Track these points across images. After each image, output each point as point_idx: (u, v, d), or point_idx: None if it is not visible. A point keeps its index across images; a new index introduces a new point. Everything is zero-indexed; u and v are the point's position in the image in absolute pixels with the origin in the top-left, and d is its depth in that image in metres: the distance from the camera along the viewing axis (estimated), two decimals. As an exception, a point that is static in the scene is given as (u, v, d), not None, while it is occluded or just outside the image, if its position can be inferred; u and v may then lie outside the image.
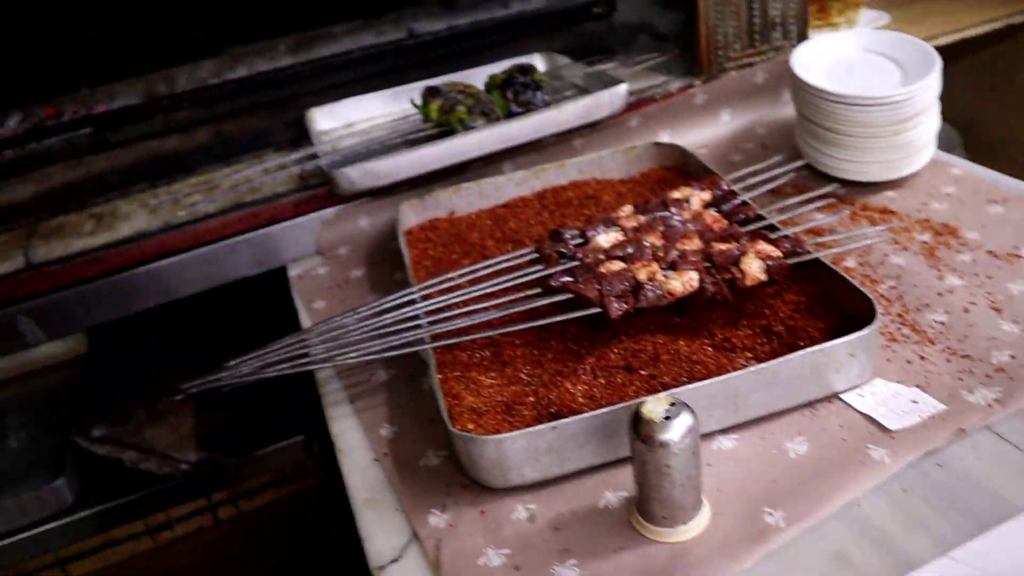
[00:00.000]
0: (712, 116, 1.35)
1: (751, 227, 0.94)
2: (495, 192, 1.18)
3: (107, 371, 1.67)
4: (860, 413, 0.76)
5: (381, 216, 1.22)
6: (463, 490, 0.76)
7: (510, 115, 1.20)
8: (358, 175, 1.12)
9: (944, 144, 1.19)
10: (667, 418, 0.63)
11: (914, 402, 0.76)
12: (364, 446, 0.84)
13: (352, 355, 0.86)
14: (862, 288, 0.80)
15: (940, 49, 1.19)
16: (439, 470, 0.79)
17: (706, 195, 1.01)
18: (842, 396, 0.79)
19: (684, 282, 0.85)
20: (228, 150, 1.35)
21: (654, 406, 0.64)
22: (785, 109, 1.34)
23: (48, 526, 1.41)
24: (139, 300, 1.18)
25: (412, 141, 1.20)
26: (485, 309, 0.89)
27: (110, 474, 1.43)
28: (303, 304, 1.11)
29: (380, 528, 0.74)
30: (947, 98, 1.07)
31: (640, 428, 0.64)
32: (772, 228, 0.93)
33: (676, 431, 0.63)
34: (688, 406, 0.64)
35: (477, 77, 1.34)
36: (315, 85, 1.36)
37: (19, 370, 1.72)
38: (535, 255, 0.97)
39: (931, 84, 1.08)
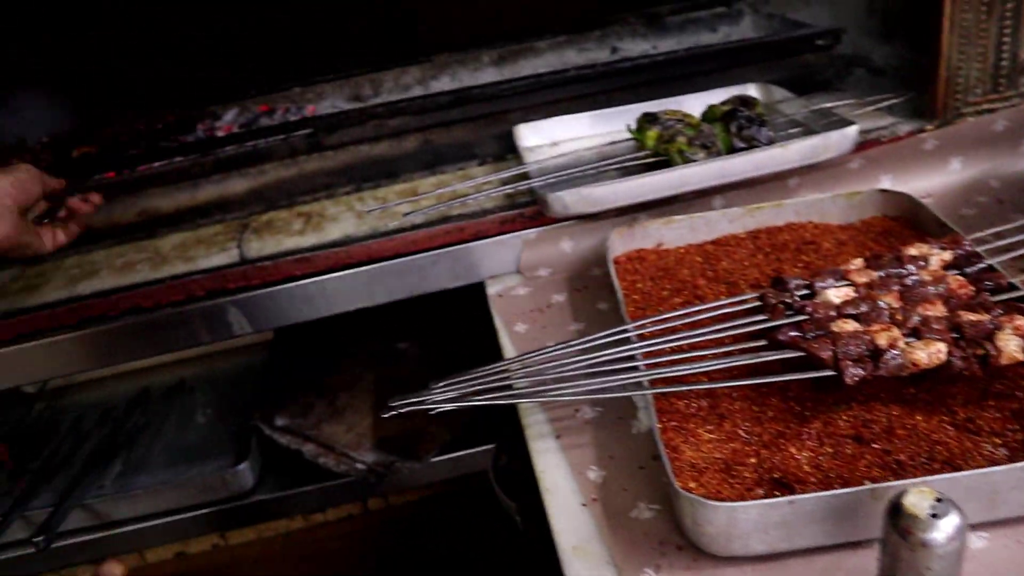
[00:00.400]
0: (941, 163, 1.26)
1: (1003, 297, 0.87)
2: (706, 227, 1.14)
3: (291, 360, 1.73)
4: None
5: (584, 240, 1.20)
6: (678, 551, 0.72)
7: (732, 150, 1.15)
8: (572, 200, 1.10)
9: None
10: (933, 515, 0.57)
11: None
12: (571, 488, 0.82)
13: (565, 393, 0.84)
14: None
15: None
16: (651, 524, 0.76)
17: (947, 255, 0.94)
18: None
19: (930, 354, 0.78)
20: (434, 159, 1.36)
21: (918, 500, 0.58)
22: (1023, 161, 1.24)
23: (226, 506, 1.46)
24: (341, 302, 1.21)
25: (626, 168, 1.17)
26: (705, 357, 0.85)
27: (289, 463, 1.48)
28: (503, 325, 1.10)
29: (585, 570, 0.72)
30: None
31: (900, 521, 0.58)
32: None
33: (943, 532, 0.57)
34: (956, 505, 0.58)
35: (689, 104, 1.30)
36: (523, 102, 1.34)
37: (205, 350, 1.80)
38: (757, 303, 0.92)
39: None
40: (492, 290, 1.19)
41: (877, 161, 1.25)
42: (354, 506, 2.36)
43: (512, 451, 1.14)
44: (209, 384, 1.78)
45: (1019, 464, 0.67)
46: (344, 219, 1.26)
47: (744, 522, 0.68)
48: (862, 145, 1.23)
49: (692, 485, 0.73)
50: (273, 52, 1.82)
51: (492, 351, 1.47)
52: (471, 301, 1.24)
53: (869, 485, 0.67)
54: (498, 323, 1.11)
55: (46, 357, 1.22)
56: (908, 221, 1.11)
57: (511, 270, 1.21)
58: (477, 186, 1.21)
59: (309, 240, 1.21)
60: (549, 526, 0.79)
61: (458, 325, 1.70)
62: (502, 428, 1.17)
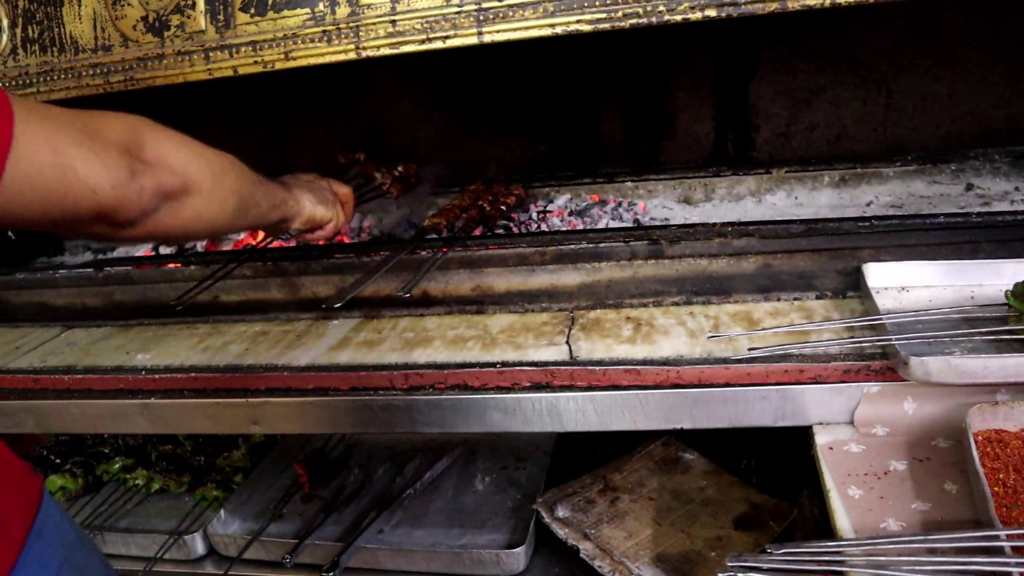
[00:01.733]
0: None
1: None
2: (1084, 419, 1.01)
3: (575, 447, 1.74)
4: None
5: (929, 405, 1.11)
6: None
7: None
8: (938, 368, 1.02)
9: None
10: None
11: None
12: None
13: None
14: None
15: None
16: None
17: None
18: None
19: None
20: (771, 284, 1.32)
21: None
22: None
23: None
24: (660, 419, 1.19)
25: (999, 339, 1.08)
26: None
27: (561, 556, 1.48)
28: (835, 485, 1.03)
29: None
30: None
31: None
32: None
33: None
34: None
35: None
36: (877, 241, 1.27)
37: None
38: None
39: None
40: (822, 440, 1.12)
41: None
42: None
43: None
44: (493, 451, 1.83)
45: None
46: (675, 334, 1.25)
47: None
48: None
49: None
50: (610, 142, 1.87)
51: (779, 483, 1.40)
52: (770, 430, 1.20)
53: None
54: (830, 483, 1.04)
55: (371, 413, 1.30)
56: None
57: (843, 420, 1.15)
58: (821, 329, 1.16)
59: (640, 352, 1.21)
60: None
61: (746, 445, 1.64)
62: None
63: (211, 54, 1.26)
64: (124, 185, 0.85)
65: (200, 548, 1.65)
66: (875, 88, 1.76)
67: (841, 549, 0.86)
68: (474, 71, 1.84)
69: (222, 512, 1.67)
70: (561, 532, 1.46)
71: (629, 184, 1.74)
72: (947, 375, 1.03)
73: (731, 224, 1.31)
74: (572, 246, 1.36)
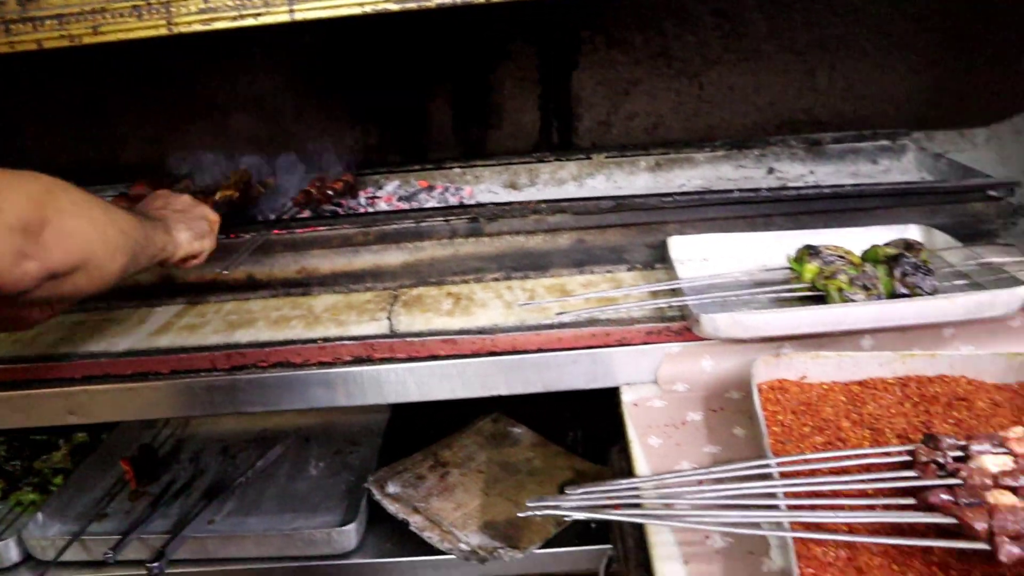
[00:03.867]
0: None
1: None
2: (853, 367, 1.12)
3: (409, 427, 1.77)
4: None
5: (725, 361, 1.20)
6: None
7: (893, 295, 1.14)
8: (725, 324, 1.10)
9: None
10: None
11: None
12: (697, 617, 0.81)
13: (701, 521, 0.83)
14: None
15: None
16: (780, 674, 0.74)
17: (1115, 434, 0.90)
18: None
19: (1099, 546, 0.75)
20: (585, 258, 1.39)
21: None
22: None
23: (326, 563, 1.49)
24: (478, 387, 1.23)
25: (781, 298, 1.18)
26: (850, 508, 0.83)
27: (393, 531, 1.50)
28: (637, 437, 1.11)
29: None
30: None
31: None
32: None
33: None
34: None
35: (848, 239, 1.29)
36: (681, 216, 1.37)
37: (328, 404, 1.86)
38: (907, 457, 0.90)
39: None
40: (627, 397, 1.19)
41: (1037, 321, 1.21)
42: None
43: (627, 561, 1.13)
44: (326, 437, 1.83)
45: None
46: (492, 306, 1.30)
47: None
48: (1023, 302, 1.20)
49: (828, 640, 0.71)
50: (438, 130, 1.91)
51: (603, 452, 1.47)
52: (589, 395, 1.26)
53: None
54: (632, 434, 1.11)
55: (193, 396, 1.28)
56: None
57: (648, 380, 1.22)
58: (629, 295, 1.24)
59: (457, 323, 1.25)
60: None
61: (573, 418, 1.72)
62: (620, 537, 1.16)
63: (12, 27, 1.22)
64: (6, 270, 0.83)
65: (14, 555, 1.57)
66: (688, 81, 1.88)
67: (635, 486, 0.92)
68: (304, 64, 1.85)
69: (39, 515, 1.60)
70: (392, 507, 1.48)
71: (457, 170, 1.79)
72: (734, 330, 1.12)
73: (546, 201, 1.37)
74: (395, 226, 1.39)
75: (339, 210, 1.64)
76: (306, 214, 1.60)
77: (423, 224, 1.37)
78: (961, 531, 0.79)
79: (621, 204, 1.35)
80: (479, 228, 1.37)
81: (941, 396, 1.08)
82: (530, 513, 0.89)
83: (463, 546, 1.40)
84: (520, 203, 1.36)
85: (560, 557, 1.43)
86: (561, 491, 1.51)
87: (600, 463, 1.55)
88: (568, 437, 1.68)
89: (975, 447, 0.89)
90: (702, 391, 1.19)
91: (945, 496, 0.83)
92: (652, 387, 1.21)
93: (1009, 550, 0.76)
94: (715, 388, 1.19)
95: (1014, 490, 0.82)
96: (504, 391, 1.24)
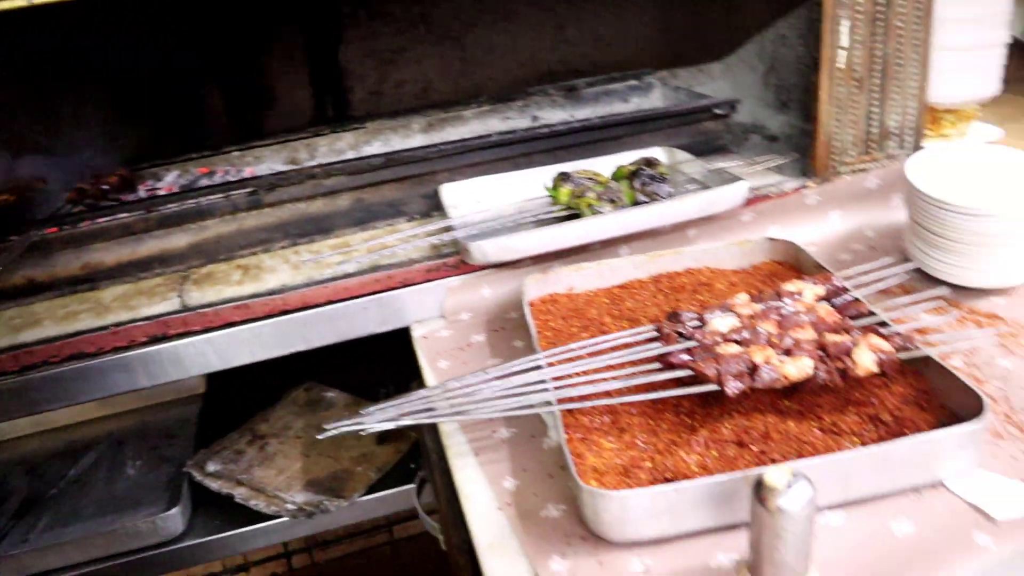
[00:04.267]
0: (822, 216, 1.41)
1: (863, 322, 0.99)
2: (612, 273, 1.25)
3: (223, 410, 1.78)
4: (965, 502, 0.80)
5: (502, 287, 1.30)
6: (582, 541, 0.82)
7: (636, 204, 1.28)
8: (492, 249, 1.21)
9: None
10: (788, 487, 0.68)
11: (1021, 494, 0.80)
12: (488, 496, 0.91)
13: (483, 411, 0.93)
14: (972, 385, 0.84)
15: None
16: (559, 522, 0.85)
17: (819, 290, 1.06)
18: (948, 484, 0.82)
19: (799, 367, 0.90)
20: (366, 216, 1.46)
21: (777, 475, 0.69)
22: (894, 214, 1.39)
23: (158, 552, 1.50)
24: (277, 346, 1.28)
25: (541, 221, 1.29)
26: (607, 379, 0.95)
27: (221, 508, 1.52)
28: (427, 362, 1.19)
29: (501, 564, 0.80)
30: None
31: (762, 494, 0.69)
32: (883, 324, 0.98)
33: (796, 500, 0.68)
34: (808, 479, 0.69)
35: (601, 166, 1.43)
36: (449, 164, 1.46)
37: (137, 404, 1.85)
38: (654, 334, 1.03)
39: (1045, 199, 1.12)
40: (417, 332, 1.28)
41: (767, 214, 1.39)
42: (279, 564, 2.39)
43: (432, 474, 1.21)
44: (140, 438, 1.81)
45: (865, 449, 0.79)
46: (281, 270, 1.35)
47: (636, 509, 0.77)
48: (753, 200, 1.38)
49: (593, 484, 0.83)
50: (214, 118, 1.92)
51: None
52: (399, 354, 1.34)
53: (742, 472, 0.77)
54: (422, 360, 1.20)
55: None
56: (791, 265, 1.24)
57: (435, 315, 1.31)
58: (405, 238, 1.32)
59: (248, 289, 1.29)
60: (469, 534, 0.88)
61: (385, 375, 1.79)
62: (427, 456, 1.25)
63: None
64: None
65: None
66: (450, 44, 1.98)
67: (424, 396, 1.00)
68: (64, 60, 1.81)
69: None
70: (214, 485, 1.50)
71: (236, 153, 1.81)
72: (501, 253, 1.23)
73: (319, 166, 1.43)
74: (175, 207, 1.41)
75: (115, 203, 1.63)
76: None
77: (204, 202, 1.40)
78: (698, 380, 0.93)
79: (391, 159, 1.43)
80: (259, 200, 1.42)
81: (687, 285, 1.23)
82: (330, 433, 0.96)
83: (289, 506, 1.45)
84: (296, 170, 1.41)
85: (385, 500, 1.51)
86: (378, 441, 1.60)
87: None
88: (380, 393, 1.75)
89: (708, 316, 1.03)
90: (484, 316, 1.29)
91: (685, 356, 0.96)
92: (439, 321, 1.31)
93: (734, 385, 0.90)
94: (496, 312, 1.30)
95: (739, 342, 0.97)
96: (303, 346, 1.29)
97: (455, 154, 1.45)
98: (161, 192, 1.71)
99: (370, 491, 1.49)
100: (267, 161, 1.83)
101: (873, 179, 1.41)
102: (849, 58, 1.33)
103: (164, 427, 1.81)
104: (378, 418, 0.97)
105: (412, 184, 1.47)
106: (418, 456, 1.49)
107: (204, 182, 1.73)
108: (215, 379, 1.73)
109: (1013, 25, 2.12)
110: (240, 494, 1.48)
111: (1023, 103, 2.00)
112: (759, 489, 0.69)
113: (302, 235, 1.45)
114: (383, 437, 1.59)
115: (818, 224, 1.41)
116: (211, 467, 1.54)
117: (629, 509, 0.77)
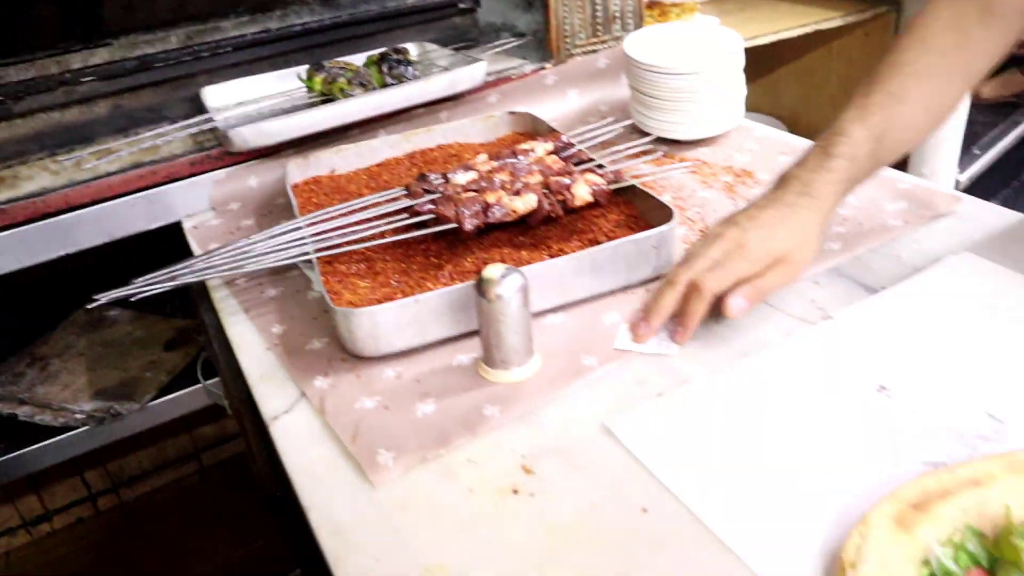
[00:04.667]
0: (561, 94, 1.56)
1: (583, 167, 1.14)
2: (371, 153, 1.34)
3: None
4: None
5: (269, 176, 1.37)
6: (342, 362, 0.92)
7: (385, 86, 1.37)
8: (251, 134, 1.27)
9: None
10: (503, 277, 0.81)
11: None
12: (258, 340, 0.99)
13: (249, 265, 1.01)
14: (665, 201, 1.00)
15: (764, 49, 1.44)
16: (322, 351, 0.95)
17: (549, 146, 1.20)
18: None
19: (525, 202, 1.04)
20: (128, 123, 1.47)
21: (493, 270, 0.82)
22: (623, 89, 1.56)
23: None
24: (43, 251, 1.29)
25: (298, 108, 1.36)
26: (361, 232, 1.05)
27: (4, 431, 1.52)
28: (198, 247, 1.25)
29: (274, 392, 0.89)
30: (775, 95, 1.28)
31: (482, 286, 0.81)
32: (600, 167, 1.13)
33: (509, 287, 0.81)
34: (520, 271, 0.82)
35: (357, 60, 1.51)
36: (208, 65, 1.49)
37: None
38: (404, 193, 1.14)
39: (734, 60, 1.31)
40: (188, 224, 1.32)
41: (511, 95, 1.52)
42: (84, 508, 2.35)
43: (211, 344, 1.27)
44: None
45: (574, 254, 0.93)
46: (40, 178, 1.34)
47: (384, 323, 0.88)
48: (497, 81, 1.50)
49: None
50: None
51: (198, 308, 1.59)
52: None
53: (471, 281, 0.90)
54: (193, 245, 1.25)
55: None
56: (531, 135, 1.37)
57: (205, 208, 1.36)
58: (162, 132, 1.35)
59: (3, 196, 1.29)
60: (247, 383, 0.95)
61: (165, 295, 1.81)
62: (205, 330, 1.31)
63: None
64: None
65: None
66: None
67: (192, 262, 1.06)
68: None
69: None
70: (-6, 407, 1.50)
71: None
72: (260, 138, 1.29)
73: (70, 71, 1.42)
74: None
75: None
76: None
77: (-55, 115, 1.37)
78: (441, 223, 1.04)
79: (144, 61, 1.44)
80: (8, 109, 1.39)
81: (439, 158, 1.34)
82: (101, 301, 1.00)
83: (78, 415, 1.47)
84: (44, 76, 1.40)
85: (179, 400, 1.55)
86: (166, 348, 1.63)
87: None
88: (166, 307, 1.77)
89: (451, 174, 1.15)
90: (253, 204, 1.35)
91: (429, 205, 1.08)
92: (209, 212, 1.35)
93: (470, 222, 1.02)
94: (263, 200, 1.36)
95: (477, 191, 1.09)
96: (72, 249, 1.30)
97: (211, 56, 1.48)
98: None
99: (162, 394, 1.53)
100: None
101: (603, 59, 1.57)
102: (569, -54, 1.47)
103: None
104: (150, 283, 1.02)
105: (172, 88, 1.49)
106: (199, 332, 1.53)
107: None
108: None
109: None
110: (24, 412, 1.48)
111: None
112: (480, 284, 0.82)
113: (60, 145, 1.45)
114: (171, 344, 1.63)
115: (557, 102, 1.55)
116: (-12, 390, 1.53)
117: (378, 324, 0.88)
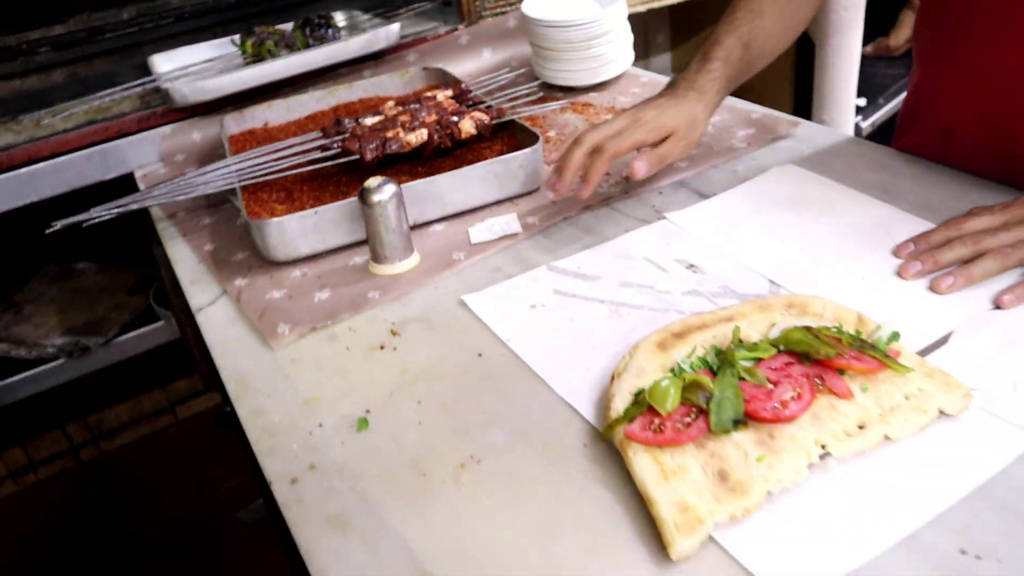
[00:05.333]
0: (475, 53, 1.73)
1: (474, 107, 1.32)
2: (300, 107, 1.51)
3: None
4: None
5: (210, 130, 1.54)
6: (259, 268, 1.10)
7: (308, 47, 1.55)
8: (190, 91, 1.44)
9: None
10: (379, 186, 0.99)
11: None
12: (192, 257, 1.17)
13: (184, 193, 1.19)
14: (532, 128, 1.19)
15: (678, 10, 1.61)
16: (244, 261, 1.13)
17: (449, 93, 1.38)
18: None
19: (417, 135, 1.22)
20: (82, 89, 1.63)
21: (372, 181, 1.00)
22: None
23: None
24: (9, 200, 1.46)
25: (235, 67, 1.54)
26: (280, 166, 1.23)
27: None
28: (145, 188, 1.42)
29: (200, 291, 1.08)
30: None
31: (363, 195, 1.00)
32: (489, 107, 1.31)
33: (384, 193, 0.99)
34: (393, 182, 1.00)
35: (288, 28, 1.68)
36: (155, 35, 1.66)
37: None
38: (321, 135, 1.32)
39: (617, 11, 1.49)
40: (138, 174, 1.50)
41: (428, 54, 1.70)
42: (66, 460, 2.53)
43: (159, 273, 1.44)
44: None
45: (447, 173, 1.11)
46: (4, 136, 1.51)
47: (290, 230, 1.07)
48: (414, 42, 1.68)
49: (263, 227, 1.11)
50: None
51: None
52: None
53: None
54: (141, 186, 1.43)
55: None
56: (443, 88, 1.55)
57: (154, 160, 1.53)
58: (112, 93, 1.53)
59: (-29, 151, 1.46)
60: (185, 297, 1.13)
61: (123, 250, 1.99)
62: (157, 259, 1.49)
63: None
64: None
65: None
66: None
67: (138, 195, 1.24)
68: None
69: None
70: (-27, 345, 1.68)
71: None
72: (198, 94, 1.46)
73: (24, 42, 1.59)
74: None
75: None
76: None
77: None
78: (347, 154, 1.22)
79: (95, 30, 1.61)
80: (-31, 77, 1.57)
81: (360, 111, 1.52)
82: (56, 227, 1.17)
83: (50, 349, 1.65)
84: (4, 47, 1.57)
85: (141, 337, 1.73)
86: (129, 292, 1.81)
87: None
88: (128, 260, 1.95)
89: (361, 119, 1.32)
90: (196, 155, 1.53)
91: (339, 142, 1.25)
92: (158, 164, 1.53)
93: (369, 153, 1.20)
94: (205, 151, 1.53)
95: (379, 130, 1.27)
96: (35, 198, 1.48)
97: (156, 27, 1.65)
98: None
99: (124, 331, 1.71)
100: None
101: (511, 19, 1.75)
102: (471, -83, 1.65)
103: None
104: (101, 211, 1.19)
105: (123, 56, 1.66)
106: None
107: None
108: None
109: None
110: (0, 348, 1.65)
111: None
112: (363, 194, 1.00)
113: (21, 111, 1.61)
114: (133, 289, 1.81)
115: (472, 60, 1.73)
116: (-32, 330, 1.71)
117: (285, 231, 1.06)
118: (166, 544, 2.20)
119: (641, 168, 1.05)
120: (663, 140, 1.07)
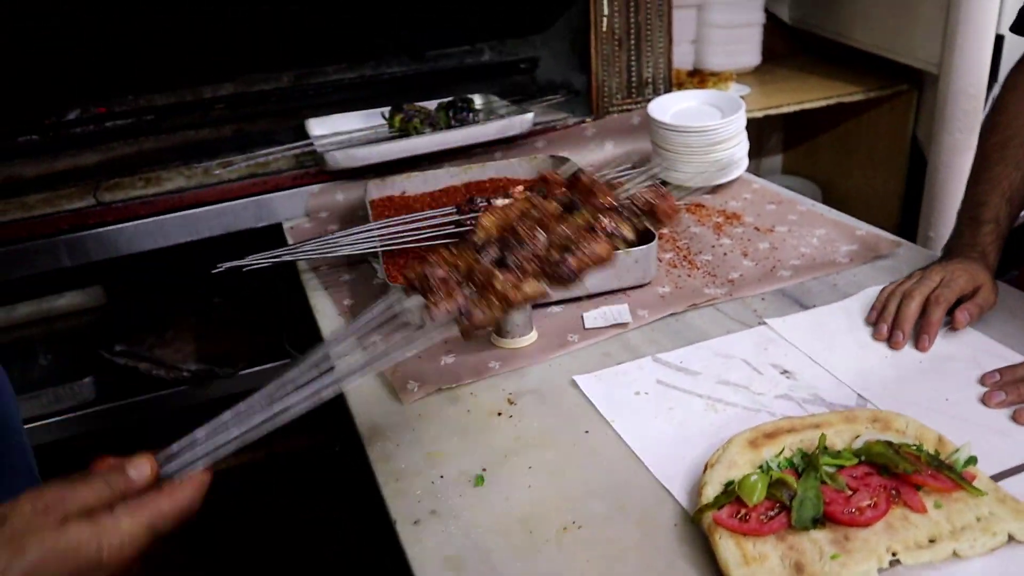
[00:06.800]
0: (599, 145, 1.87)
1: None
2: (435, 180, 1.67)
3: (123, 314, 2.11)
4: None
5: (353, 193, 1.70)
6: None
7: (449, 127, 1.71)
8: (342, 157, 1.61)
9: (808, 196, 1.70)
10: (510, 268, 1.11)
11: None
12: (333, 310, 1.31)
13: (331, 254, 1.34)
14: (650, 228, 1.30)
15: (803, 118, 1.72)
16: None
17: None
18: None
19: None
20: (246, 143, 1.83)
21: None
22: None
23: (74, 414, 1.83)
24: (175, 235, 1.64)
25: (380, 141, 1.71)
26: (417, 236, 1.37)
27: (127, 380, 1.87)
28: (293, 241, 1.59)
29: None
30: (813, 160, 1.51)
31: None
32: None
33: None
34: (523, 264, 1.12)
35: (432, 106, 1.85)
36: (313, 102, 1.85)
37: (44, 314, 2.15)
38: (456, 210, 1.46)
39: (736, 120, 1.60)
40: (287, 225, 1.67)
41: (555, 143, 1.84)
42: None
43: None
44: (49, 339, 2.11)
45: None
46: (177, 180, 1.71)
47: (425, 298, 1.19)
48: (544, 130, 1.82)
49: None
50: (110, 65, 2.24)
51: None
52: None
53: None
54: (289, 239, 1.59)
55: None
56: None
57: (300, 214, 1.70)
58: (278, 157, 1.71)
59: (152, 191, 1.65)
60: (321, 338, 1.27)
61: (260, 292, 2.16)
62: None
63: None
64: None
65: None
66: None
67: (289, 249, 1.39)
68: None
69: None
70: (121, 361, 1.85)
71: (130, 98, 2.14)
72: (348, 160, 1.63)
73: (205, 99, 1.79)
74: (79, 129, 1.75)
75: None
76: None
77: (107, 125, 1.75)
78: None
79: (263, 94, 1.81)
80: (156, 127, 1.77)
81: (489, 189, 1.66)
82: (218, 270, 1.33)
83: (185, 373, 1.81)
84: (185, 102, 1.77)
85: (265, 373, 1.89)
86: (258, 332, 1.96)
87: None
88: (263, 299, 2.12)
89: (493, 200, 1.46)
90: (339, 214, 1.69)
91: (472, 219, 1.39)
92: (304, 218, 1.70)
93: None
94: (348, 211, 1.70)
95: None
96: (196, 236, 1.66)
97: (316, 94, 1.84)
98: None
99: (253, 364, 1.87)
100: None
101: (636, 117, 1.88)
102: (610, 23, 1.79)
103: (70, 332, 2.12)
104: (259, 259, 1.35)
105: (283, 118, 1.85)
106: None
107: (105, 120, 2.06)
108: (114, 289, 2.05)
109: (782, 9, 2.66)
110: (144, 367, 1.83)
111: (779, 72, 2.53)
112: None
113: (193, 157, 1.81)
114: (261, 327, 1.97)
115: (595, 151, 1.87)
116: (118, 348, 1.89)
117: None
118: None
119: (966, 319, 1.12)
120: (974, 291, 1.15)
